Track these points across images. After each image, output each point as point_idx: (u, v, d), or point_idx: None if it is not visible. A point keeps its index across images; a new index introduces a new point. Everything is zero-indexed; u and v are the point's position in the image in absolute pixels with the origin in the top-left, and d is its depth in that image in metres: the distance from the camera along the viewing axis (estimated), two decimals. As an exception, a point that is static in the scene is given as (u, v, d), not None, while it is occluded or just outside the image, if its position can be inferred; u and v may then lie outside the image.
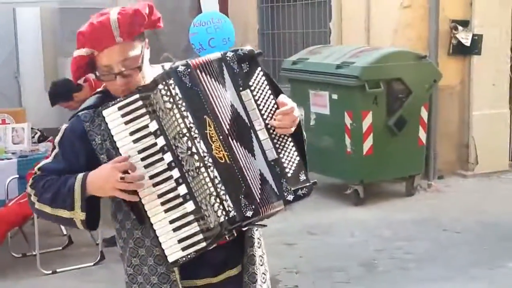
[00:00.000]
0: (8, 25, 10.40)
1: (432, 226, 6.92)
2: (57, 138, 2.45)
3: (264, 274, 2.65)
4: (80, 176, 2.32)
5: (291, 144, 2.36)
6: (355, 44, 8.60)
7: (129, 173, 2.23)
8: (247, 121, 2.32)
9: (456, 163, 8.92)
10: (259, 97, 2.34)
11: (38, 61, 10.65)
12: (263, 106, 2.35)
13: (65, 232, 6.73)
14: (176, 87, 2.24)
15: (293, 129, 2.37)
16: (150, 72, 2.42)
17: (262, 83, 2.36)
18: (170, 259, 2.27)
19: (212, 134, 2.25)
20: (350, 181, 7.76)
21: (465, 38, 8.58)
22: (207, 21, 6.73)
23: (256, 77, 2.36)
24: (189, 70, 2.28)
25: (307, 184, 2.34)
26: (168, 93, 2.24)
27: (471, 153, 8.82)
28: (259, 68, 2.36)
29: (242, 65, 2.34)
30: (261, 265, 2.62)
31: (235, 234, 2.32)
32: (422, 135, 7.98)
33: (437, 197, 8.06)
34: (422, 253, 6.22)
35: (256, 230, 2.56)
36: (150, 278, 2.45)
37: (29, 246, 6.24)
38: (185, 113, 2.23)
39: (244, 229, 2.40)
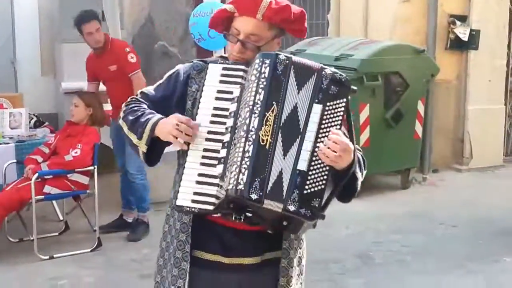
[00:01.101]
0: (5, 11, 10.36)
1: (427, 219, 6.94)
2: (169, 72, 2.67)
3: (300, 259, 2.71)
4: (157, 116, 2.49)
5: (326, 172, 2.34)
6: (353, 37, 8.59)
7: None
8: (301, 127, 2.34)
9: (451, 157, 8.96)
10: (327, 119, 2.35)
11: (35, 47, 10.62)
12: (324, 128, 2.34)
13: (61, 218, 6.72)
14: (268, 68, 2.34)
15: (333, 163, 2.33)
16: None
17: (338, 111, 2.36)
18: (178, 202, 2.39)
19: (269, 118, 2.32)
20: (346, 173, 7.74)
21: (462, 33, 8.60)
22: (208, 12, 6.65)
23: (337, 103, 2.36)
24: (287, 61, 2.36)
25: (315, 210, 2.33)
26: (259, 69, 2.35)
27: (466, 148, 8.86)
28: (344, 100, 2.37)
29: (332, 86, 2.35)
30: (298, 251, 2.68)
31: (242, 219, 2.35)
32: (419, 128, 8.01)
33: (432, 190, 8.09)
34: (418, 246, 6.24)
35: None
36: (174, 241, 2.59)
37: (26, 231, 6.22)
38: (260, 90, 2.33)
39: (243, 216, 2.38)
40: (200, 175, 2.38)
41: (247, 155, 2.28)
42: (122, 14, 10.26)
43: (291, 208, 2.29)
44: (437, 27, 8.53)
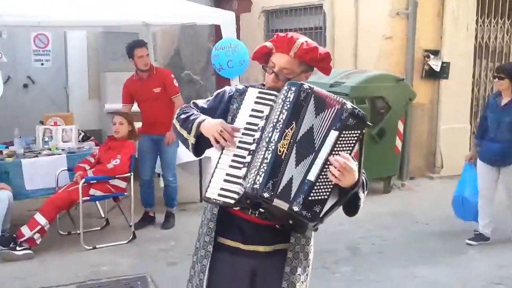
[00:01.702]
0: (60, 45, 10.45)
1: (405, 218, 6.92)
2: (217, 91, 2.78)
3: (307, 255, 2.73)
4: (204, 116, 2.60)
5: (331, 187, 2.36)
6: (344, 67, 8.60)
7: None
8: (316, 146, 2.36)
9: (425, 167, 8.94)
10: (340, 144, 2.35)
11: (84, 75, 10.70)
12: (336, 151, 2.35)
13: (103, 215, 6.74)
14: (292, 94, 2.40)
15: (337, 181, 2.34)
16: None
17: (351, 140, 2.37)
18: (207, 194, 2.43)
19: (288, 134, 2.36)
20: (338, 180, 7.73)
21: (435, 64, 8.60)
22: (226, 46, 6.70)
23: (351, 133, 2.37)
24: (309, 91, 2.41)
25: (315, 214, 2.33)
26: (286, 94, 2.42)
27: (437, 159, 8.85)
28: (359, 132, 2.38)
29: (350, 119, 2.35)
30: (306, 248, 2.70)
31: (256, 214, 2.43)
32: (398, 143, 8.00)
33: (409, 194, 8.06)
34: (397, 241, 6.23)
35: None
36: (204, 227, 2.68)
37: (74, 226, 6.25)
38: (284, 111, 2.39)
39: (258, 211, 2.42)
40: (227, 174, 2.42)
41: (265, 161, 2.33)
42: (155, 48, 10.35)
43: (295, 208, 2.30)
44: (414, 60, 8.53)
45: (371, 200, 7.69)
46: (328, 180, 2.35)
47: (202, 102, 2.76)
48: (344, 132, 2.35)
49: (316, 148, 2.36)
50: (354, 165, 2.36)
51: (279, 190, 2.31)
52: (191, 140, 2.59)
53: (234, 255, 2.63)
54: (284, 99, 2.41)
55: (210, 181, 2.44)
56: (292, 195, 2.32)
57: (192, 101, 2.79)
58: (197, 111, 2.68)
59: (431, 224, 6.68)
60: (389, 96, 7.70)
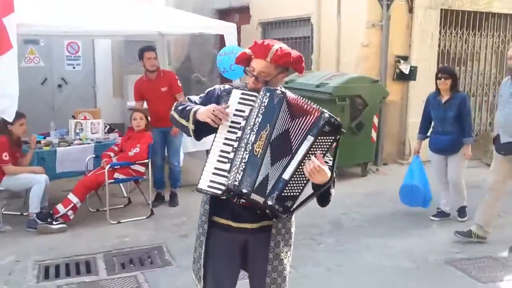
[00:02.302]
0: (88, 52, 10.41)
1: (380, 198, 6.90)
2: (208, 89, 2.71)
3: (289, 232, 2.70)
4: (199, 106, 2.57)
5: (303, 185, 2.34)
6: (328, 70, 8.56)
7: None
8: (293, 148, 2.33)
9: (396, 154, 8.91)
10: (315, 147, 2.32)
11: (109, 77, 10.68)
12: (311, 153, 2.31)
13: (126, 195, 6.71)
14: (267, 99, 2.38)
15: (310, 178, 2.32)
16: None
17: (326, 145, 2.34)
18: (199, 185, 2.41)
19: (262, 135, 2.34)
20: (323, 165, 7.71)
21: (405, 68, 8.55)
22: (229, 52, 6.66)
23: (326, 139, 2.33)
24: (281, 95, 2.38)
25: (286, 208, 2.34)
26: (261, 99, 2.39)
27: (406, 148, 8.82)
28: (333, 138, 2.34)
29: (327, 126, 2.31)
30: (286, 226, 2.67)
31: (239, 202, 2.41)
32: (374, 134, 7.97)
33: (383, 178, 8.04)
34: (373, 216, 6.21)
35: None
36: (202, 208, 2.69)
37: (101, 204, 6.23)
38: (260, 115, 2.37)
39: (240, 200, 2.41)
40: (215, 168, 2.39)
41: (244, 160, 2.32)
42: (169, 54, 10.29)
43: (269, 202, 2.31)
44: (387, 64, 8.48)
45: (350, 182, 7.73)
46: (301, 178, 2.33)
47: (195, 98, 2.71)
48: (319, 137, 2.31)
49: (293, 151, 2.33)
50: (325, 166, 2.33)
51: (256, 186, 2.30)
52: (191, 126, 2.55)
53: (227, 232, 2.62)
54: (260, 103, 2.37)
55: (202, 173, 2.42)
56: (268, 191, 2.32)
57: (187, 97, 2.77)
58: (190, 103, 2.65)
59: (401, 203, 6.64)
60: (366, 95, 7.65)
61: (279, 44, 2.53)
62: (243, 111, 2.43)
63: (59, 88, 10.24)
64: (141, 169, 6.08)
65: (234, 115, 2.43)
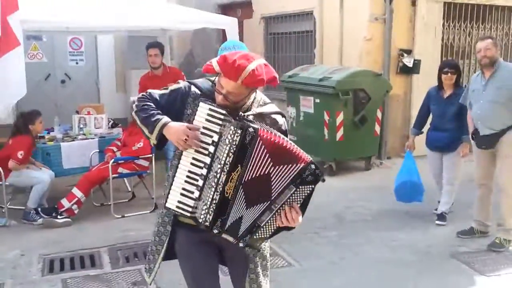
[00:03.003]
0: (91, 47, 10.44)
1: (383, 191, 6.86)
2: (174, 86, 2.48)
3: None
4: (166, 119, 2.33)
5: (274, 229, 2.31)
6: (331, 64, 8.56)
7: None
8: (273, 195, 2.24)
9: (400, 148, 8.86)
10: (294, 195, 2.25)
11: (112, 72, 10.70)
12: (289, 201, 2.26)
13: (130, 189, 6.75)
14: (238, 138, 2.19)
15: (282, 225, 2.30)
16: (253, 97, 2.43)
17: (305, 192, 2.26)
18: (167, 204, 2.32)
19: (234, 177, 2.22)
20: (327, 159, 7.74)
21: (408, 62, 8.53)
22: (230, 47, 6.62)
23: (307, 188, 2.24)
24: (254, 134, 2.20)
25: (257, 248, 2.40)
26: (231, 136, 2.20)
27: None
28: (313, 186, 2.25)
29: (310, 176, 2.22)
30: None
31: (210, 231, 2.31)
32: (377, 128, 7.96)
33: (387, 171, 8.01)
34: (376, 210, 6.22)
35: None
36: (163, 210, 2.51)
37: (105, 198, 6.28)
38: (231, 154, 2.20)
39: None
40: (183, 189, 2.29)
41: (214, 202, 2.23)
42: (171, 49, 10.30)
43: (241, 244, 2.32)
44: (391, 58, 8.46)
45: (354, 176, 7.75)
46: (275, 223, 2.29)
47: (157, 94, 2.45)
48: (300, 187, 2.24)
49: (272, 198, 2.24)
50: (300, 217, 2.29)
51: (227, 227, 2.27)
52: (153, 140, 2.36)
53: (196, 232, 2.43)
54: (230, 141, 2.20)
55: (169, 191, 2.30)
56: (240, 233, 2.29)
57: (148, 91, 2.49)
58: (152, 105, 2.40)
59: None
60: (369, 89, 7.65)
61: (255, 64, 2.26)
62: (212, 132, 2.25)
63: (62, 84, 10.28)
64: (145, 163, 6.11)
65: (202, 133, 2.26)
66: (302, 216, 2.31)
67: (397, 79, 8.57)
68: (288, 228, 2.34)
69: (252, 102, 2.45)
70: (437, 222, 5.68)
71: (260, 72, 2.26)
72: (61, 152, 6.22)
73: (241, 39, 8.77)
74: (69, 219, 5.64)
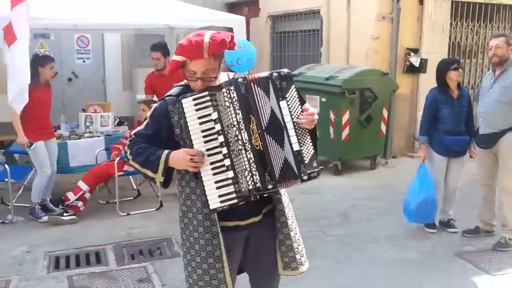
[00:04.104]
0: (98, 45, 10.47)
1: (389, 190, 6.89)
2: (149, 113, 2.43)
3: (290, 211, 2.64)
4: (166, 152, 2.30)
5: (309, 139, 2.31)
6: (338, 63, 8.56)
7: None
8: (282, 122, 2.27)
9: (405, 147, 8.90)
10: (292, 105, 2.29)
11: (118, 70, 10.72)
12: (294, 112, 2.30)
13: (135, 187, 6.77)
14: (235, 92, 2.24)
15: (312, 126, 2.32)
16: (221, 78, 2.42)
17: (294, 96, 2.32)
18: (211, 206, 2.25)
19: (253, 128, 2.23)
20: (332, 158, 7.74)
21: (415, 61, 8.53)
22: (238, 46, 6.67)
23: (291, 91, 2.31)
24: (245, 81, 2.26)
25: (317, 169, 2.30)
26: (228, 96, 2.24)
27: (416, 141, 8.79)
28: (293, 86, 2.31)
29: (283, 82, 2.29)
30: (287, 207, 2.61)
31: (258, 197, 2.29)
32: (383, 127, 7.96)
33: (392, 170, 8.04)
34: (382, 208, 6.21)
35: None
36: (197, 216, 2.42)
37: (111, 196, 6.30)
38: (238, 111, 2.23)
39: (265, 195, 2.34)
40: (217, 181, 2.24)
41: (251, 161, 2.22)
42: (178, 48, 10.31)
43: (305, 178, 2.28)
44: (397, 57, 8.47)
45: (359, 175, 7.74)
46: (305, 136, 2.30)
47: (143, 130, 2.40)
48: (287, 96, 2.29)
49: (283, 124, 2.28)
50: (309, 106, 2.34)
51: (278, 175, 2.25)
52: (160, 178, 2.32)
53: (232, 232, 2.45)
54: (230, 100, 2.23)
55: (206, 195, 2.25)
56: (296, 170, 2.27)
57: (133, 133, 2.44)
58: (146, 145, 2.36)
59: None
60: (376, 88, 7.64)
61: (208, 33, 2.32)
62: (209, 115, 2.25)
63: (69, 82, 10.33)
64: (151, 161, 6.12)
65: (201, 123, 2.25)
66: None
67: (404, 78, 8.57)
68: (315, 132, 2.36)
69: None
70: (450, 230, 5.41)
71: (217, 37, 2.30)
72: (67, 150, 6.25)
73: (247, 37, 8.78)
74: (75, 217, 5.67)
